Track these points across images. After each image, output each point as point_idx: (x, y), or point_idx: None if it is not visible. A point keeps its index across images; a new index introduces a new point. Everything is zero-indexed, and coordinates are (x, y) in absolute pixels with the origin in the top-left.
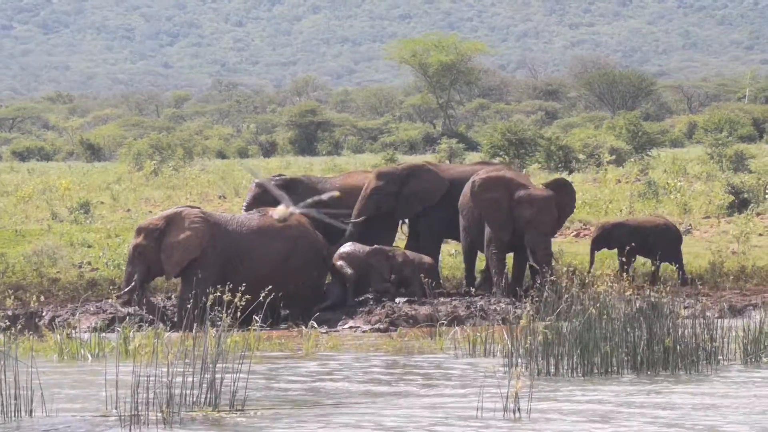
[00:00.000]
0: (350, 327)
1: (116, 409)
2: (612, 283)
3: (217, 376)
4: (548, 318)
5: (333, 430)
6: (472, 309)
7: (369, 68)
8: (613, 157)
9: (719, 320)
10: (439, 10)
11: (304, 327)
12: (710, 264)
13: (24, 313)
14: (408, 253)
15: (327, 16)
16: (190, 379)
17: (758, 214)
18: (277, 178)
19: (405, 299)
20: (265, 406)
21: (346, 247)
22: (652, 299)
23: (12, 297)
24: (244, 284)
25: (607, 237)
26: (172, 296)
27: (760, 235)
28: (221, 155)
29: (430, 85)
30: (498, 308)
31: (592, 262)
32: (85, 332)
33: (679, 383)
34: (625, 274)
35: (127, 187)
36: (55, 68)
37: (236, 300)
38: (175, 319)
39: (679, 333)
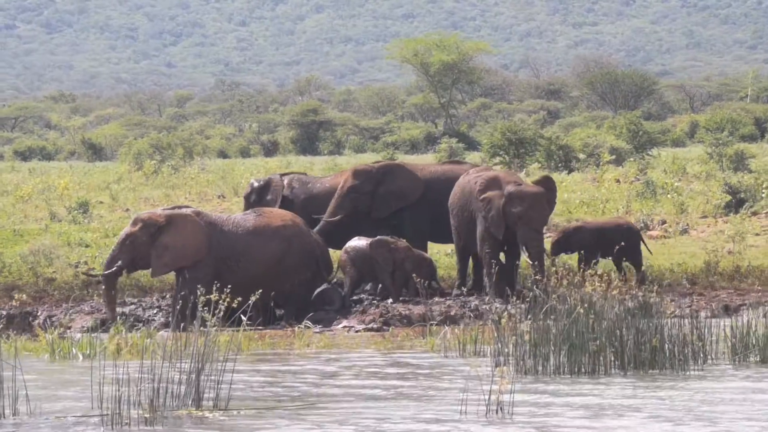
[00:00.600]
0: (344, 326)
1: (100, 408)
2: (600, 283)
3: (203, 375)
4: (530, 317)
5: (315, 430)
6: (465, 309)
7: (372, 68)
8: (613, 156)
9: (708, 320)
10: (442, 10)
11: (297, 326)
12: (705, 264)
13: (19, 313)
14: (410, 247)
15: (330, 15)
16: (175, 378)
17: (754, 214)
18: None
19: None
20: (250, 405)
21: (352, 241)
22: (640, 299)
23: (7, 297)
24: (238, 284)
25: (567, 241)
26: (167, 296)
27: (757, 234)
28: (223, 155)
29: (432, 85)
30: (491, 308)
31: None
32: (80, 332)
33: (665, 382)
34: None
35: (126, 186)
36: (59, 68)
37: (223, 300)
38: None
39: (666, 333)
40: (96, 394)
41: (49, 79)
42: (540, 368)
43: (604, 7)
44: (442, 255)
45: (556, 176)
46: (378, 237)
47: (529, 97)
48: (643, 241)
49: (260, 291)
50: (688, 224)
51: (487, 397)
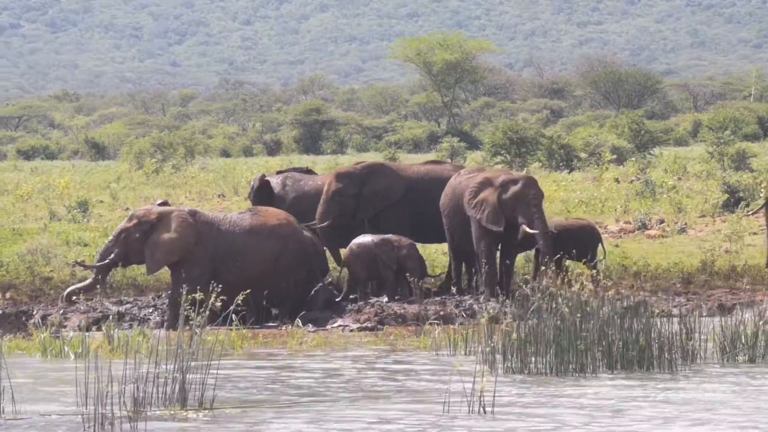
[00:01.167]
0: (339, 325)
1: (85, 407)
2: (586, 282)
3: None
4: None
5: (298, 428)
6: (460, 308)
7: (377, 67)
8: (614, 156)
9: (699, 319)
10: (447, 9)
11: (290, 326)
12: (701, 263)
13: (14, 312)
14: (414, 245)
15: (335, 14)
16: (160, 377)
17: (753, 212)
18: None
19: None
20: (235, 404)
21: (358, 238)
22: (631, 299)
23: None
24: (235, 283)
25: (524, 239)
26: (162, 295)
27: (754, 233)
28: (226, 154)
29: (435, 84)
30: (486, 307)
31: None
32: (75, 331)
33: (652, 382)
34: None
35: (126, 185)
36: (63, 67)
37: (212, 299)
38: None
39: (655, 332)
40: (80, 393)
41: (54, 78)
42: (527, 367)
43: (609, 6)
44: (440, 254)
45: (557, 175)
46: (383, 236)
47: (532, 96)
48: (601, 243)
49: (253, 290)
50: (686, 223)
51: (468, 396)
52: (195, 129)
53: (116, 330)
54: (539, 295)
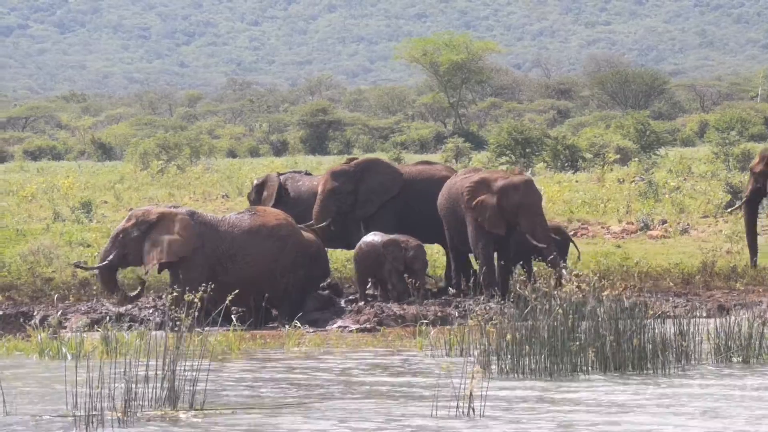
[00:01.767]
0: (339, 326)
1: (76, 408)
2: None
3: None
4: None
5: (288, 429)
6: (459, 309)
7: (384, 67)
8: (618, 156)
9: (693, 320)
10: (454, 9)
11: (287, 326)
12: (702, 264)
13: (15, 313)
14: (421, 245)
15: (342, 15)
16: (151, 378)
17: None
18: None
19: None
20: (227, 405)
21: (367, 237)
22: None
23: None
24: (234, 284)
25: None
26: (163, 295)
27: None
28: (232, 154)
29: (442, 85)
30: (486, 308)
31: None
32: (76, 331)
33: (645, 382)
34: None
35: (130, 186)
36: (71, 67)
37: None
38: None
39: (649, 333)
40: (72, 394)
41: (62, 78)
42: (521, 368)
43: (617, 6)
44: (441, 255)
45: (562, 176)
46: (391, 235)
47: (539, 97)
48: (574, 243)
49: (252, 291)
50: (688, 224)
51: (457, 397)
52: (201, 129)
53: (113, 331)
54: (534, 295)
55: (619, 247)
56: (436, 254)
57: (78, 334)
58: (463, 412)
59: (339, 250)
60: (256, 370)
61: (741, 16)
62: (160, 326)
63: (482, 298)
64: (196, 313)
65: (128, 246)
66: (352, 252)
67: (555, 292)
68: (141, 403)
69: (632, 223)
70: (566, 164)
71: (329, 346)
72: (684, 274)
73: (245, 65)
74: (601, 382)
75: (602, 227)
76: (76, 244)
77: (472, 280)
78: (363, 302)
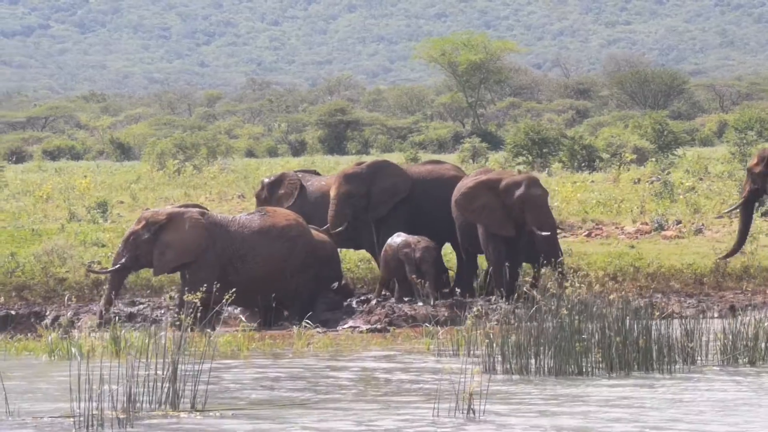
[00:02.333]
0: (350, 327)
1: (79, 408)
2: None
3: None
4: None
5: (287, 430)
6: (470, 310)
7: (404, 67)
8: (635, 156)
9: (702, 321)
10: (474, 9)
11: (295, 327)
12: (714, 264)
13: (27, 313)
14: (430, 247)
15: (363, 14)
16: (153, 378)
17: (763, 215)
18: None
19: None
20: (228, 406)
21: (392, 238)
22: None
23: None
24: (244, 284)
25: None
26: (176, 296)
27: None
28: (251, 154)
29: (460, 84)
30: (498, 309)
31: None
32: (88, 332)
33: (651, 383)
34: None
35: (146, 186)
36: (92, 67)
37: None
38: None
39: (655, 334)
40: (74, 394)
41: (83, 78)
42: (527, 369)
43: (638, 6)
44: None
45: (578, 176)
46: (410, 236)
47: (558, 97)
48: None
49: (262, 291)
50: (703, 224)
51: (457, 398)
52: (219, 129)
53: (123, 331)
54: (539, 297)
55: (632, 247)
56: (450, 254)
57: (88, 334)
58: (462, 412)
59: (351, 250)
60: (262, 371)
61: (762, 15)
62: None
63: (493, 299)
64: (198, 314)
65: (140, 248)
66: (364, 252)
67: (562, 293)
68: (142, 403)
69: (646, 224)
70: (583, 164)
71: (338, 346)
72: (696, 274)
73: (265, 65)
74: (606, 382)
75: (616, 227)
76: (90, 244)
77: (479, 281)
78: (375, 302)
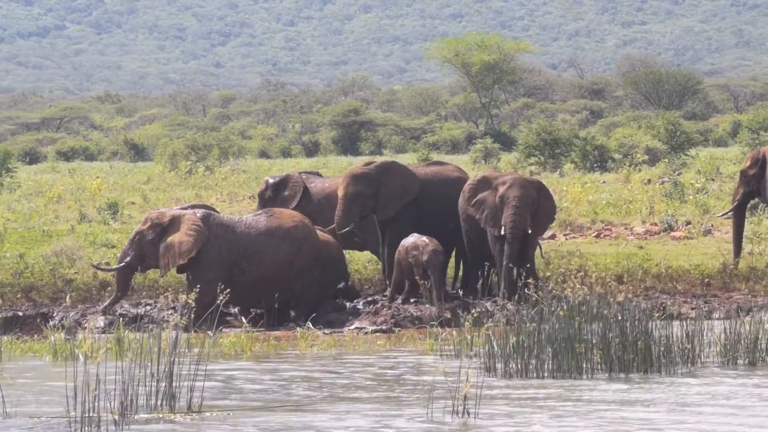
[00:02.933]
0: (356, 328)
1: (74, 410)
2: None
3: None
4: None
5: (282, 431)
6: (476, 311)
7: (420, 68)
8: (646, 157)
9: (704, 321)
10: (490, 9)
11: (299, 328)
12: (722, 265)
13: (34, 314)
14: (437, 250)
15: (378, 15)
16: (148, 380)
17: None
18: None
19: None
20: (224, 408)
21: (407, 239)
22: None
23: (25, 298)
24: (250, 285)
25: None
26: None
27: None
28: (264, 155)
29: (474, 85)
30: (503, 309)
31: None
32: (93, 333)
33: (650, 384)
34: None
35: (157, 187)
36: (108, 68)
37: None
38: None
39: (655, 335)
40: (70, 396)
41: (98, 79)
42: (526, 370)
43: (653, 6)
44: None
45: (589, 177)
46: (421, 237)
47: (572, 97)
48: (540, 247)
49: (268, 292)
50: (712, 225)
51: (453, 399)
52: (234, 130)
53: (126, 332)
54: (537, 298)
55: (641, 248)
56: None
57: (92, 335)
58: (457, 413)
59: (359, 251)
60: (263, 372)
61: None
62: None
63: (498, 300)
64: (192, 315)
65: (144, 248)
66: (370, 254)
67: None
68: (138, 404)
69: (656, 224)
70: (595, 165)
71: (341, 347)
72: (703, 275)
73: (281, 66)
74: (605, 383)
75: (625, 228)
76: (99, 245)
77: (480, 282)
78: (390, 302)
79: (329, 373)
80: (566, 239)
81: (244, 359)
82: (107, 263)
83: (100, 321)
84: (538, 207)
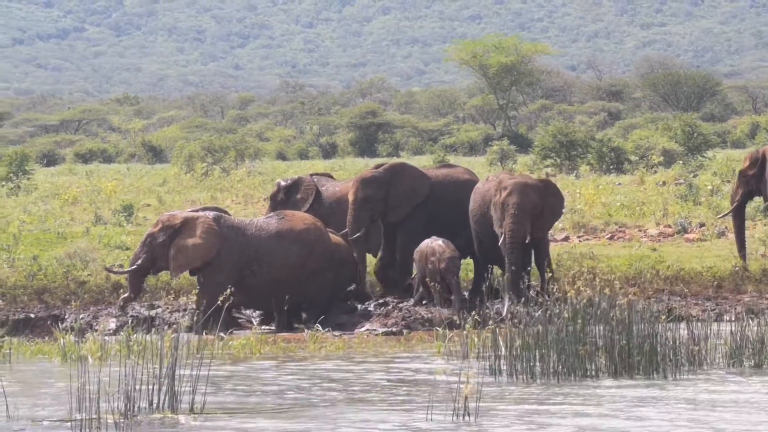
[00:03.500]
0: (366, 330)
1: (78, 412)
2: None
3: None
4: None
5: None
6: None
7: (438, 69)
8: (662, 158)
9: (711, 324)
10: (509, 11)
11: (306, 330)
12: (734, 266)
13: (46, 316)
14: (446, 252)
15: (397, 17)
16: (153, 381)
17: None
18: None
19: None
20: (227, 409)
21: (426, 241)
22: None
23: (38, 300)
24: (261, 288)
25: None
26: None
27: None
28: (282, 157)
29: (491, 87)
30: (513, 312)
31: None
32: (107, 335)
33: (655, 386)
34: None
35: (173, 189)
36: (127, 70)
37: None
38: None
39: (661, 337)
40: (74, 398)
41: (118, 81)
42: (531, 372)
43: (673, 7)
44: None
45: (605, 179)
46: (438, 241)
47: (591, 99)
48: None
49: (279, 295)
50: (726, 227)
51: (454, 401)
52: (252, 132)
53: (135, 334)
54: (541, 300)
55: (654, 250)
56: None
57: (102, 337)
58: (458, 415)
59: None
60: (268, 374)
61: None
62: (189, 329)
63: (506, 303)
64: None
65: (156, 251)
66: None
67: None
68: (140, 406)
69: (670, 226)
70: (611, 167)
71: (350, 349)
72: (715, 277)
73: (299, 67)
74: (610, 385)
75: (639, 230)
76: (113, 247)
77: (486, 285)
78: (426, 301)
79: (333, 375)
80: (580, 241)
81: (251, 361)
82: (120, 265)
83: (112, 323)
84: (543, 206)
